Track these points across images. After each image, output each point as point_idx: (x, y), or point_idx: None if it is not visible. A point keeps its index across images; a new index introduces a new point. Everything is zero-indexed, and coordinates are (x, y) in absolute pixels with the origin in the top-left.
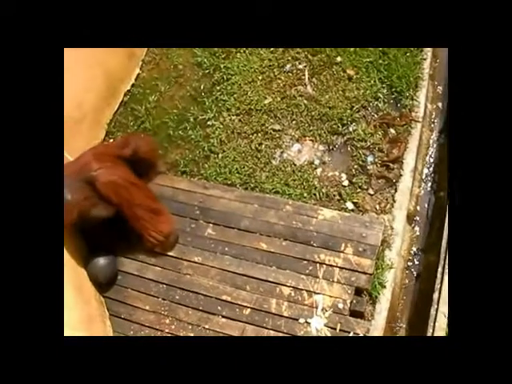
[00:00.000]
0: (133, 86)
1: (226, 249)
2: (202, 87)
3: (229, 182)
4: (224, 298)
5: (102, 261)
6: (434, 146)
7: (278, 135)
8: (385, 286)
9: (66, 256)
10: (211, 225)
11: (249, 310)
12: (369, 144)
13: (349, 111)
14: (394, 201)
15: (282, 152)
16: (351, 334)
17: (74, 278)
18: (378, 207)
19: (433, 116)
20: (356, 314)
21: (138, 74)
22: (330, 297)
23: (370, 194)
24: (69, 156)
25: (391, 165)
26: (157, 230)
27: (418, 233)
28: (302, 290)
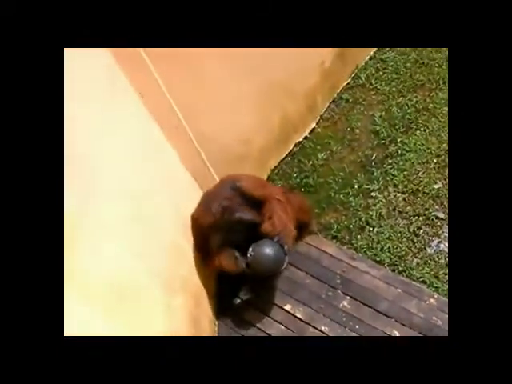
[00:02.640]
0: (305, 138)
1: (357, 326)
2: (373, 156)
3: (377, 259)
4: None
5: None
6: None
7: (439, 223)
8: None
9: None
10: (348, 298)
11: None
12: None
13: None
14: None
15: (439, 242)
16: None
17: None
18: None
19: None
20: None
21: (314, 129)
22: None
23: None
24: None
25: None
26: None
27: None
28: None
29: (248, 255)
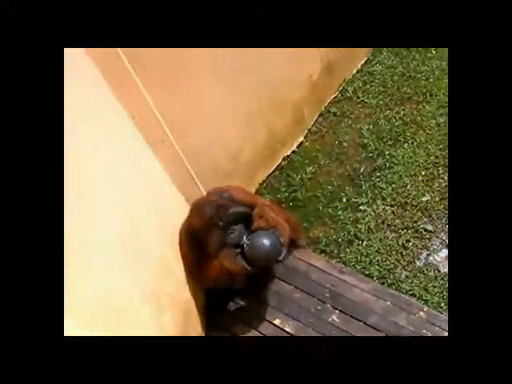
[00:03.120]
0: (293, 152)
1: None
2: (361, 170)
3: (366, 272)
4: None
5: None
6: None
7: (428, 236)
8: None
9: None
10: (337, 311)
11: None
12: None
13: None
14: None
15: (428, 254)
16: None
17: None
18: None
19: None
20: None
21: (301, 142)
22: None
23: None
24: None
25: None
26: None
27: None
28: None
29: (244, 245)
